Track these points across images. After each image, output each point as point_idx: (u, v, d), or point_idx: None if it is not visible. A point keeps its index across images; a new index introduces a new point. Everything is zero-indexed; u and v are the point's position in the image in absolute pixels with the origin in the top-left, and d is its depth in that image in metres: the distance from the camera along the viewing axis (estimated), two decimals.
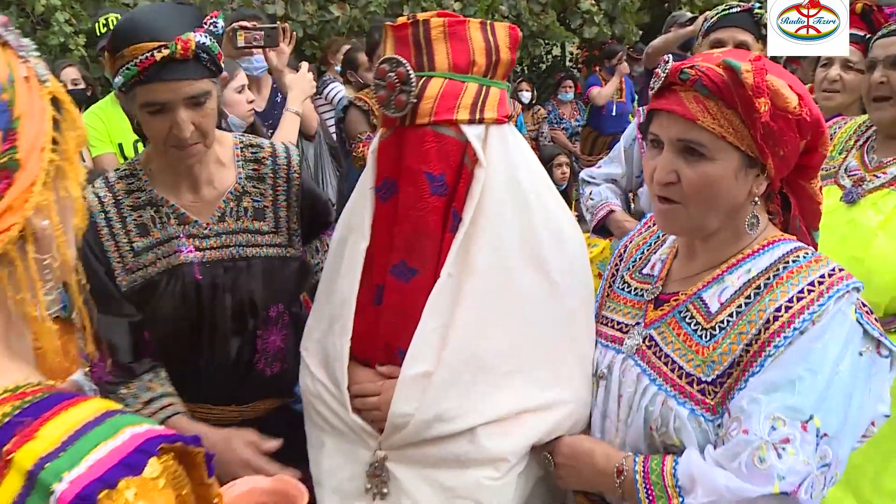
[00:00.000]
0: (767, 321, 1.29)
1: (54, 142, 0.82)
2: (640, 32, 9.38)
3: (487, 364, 1.43)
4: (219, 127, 3.53)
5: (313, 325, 1.64)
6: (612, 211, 2.99)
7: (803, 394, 1.24)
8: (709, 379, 1.33)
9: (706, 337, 1.36)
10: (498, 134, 1.45)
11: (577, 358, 1.52)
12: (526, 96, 8.64)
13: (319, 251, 1.98)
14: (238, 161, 1.88)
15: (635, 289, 1.55)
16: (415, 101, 1.40)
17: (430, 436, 1.43)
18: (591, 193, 3.15)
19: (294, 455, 1.74)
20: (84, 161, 3.53)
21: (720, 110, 1.30)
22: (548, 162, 5.66)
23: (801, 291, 1.29)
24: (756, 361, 1.28)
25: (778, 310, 1.29)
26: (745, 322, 1.31)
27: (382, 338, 1.52)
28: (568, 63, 11.92)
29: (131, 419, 0.77)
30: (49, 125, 0.81)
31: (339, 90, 5.28)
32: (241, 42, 3.19)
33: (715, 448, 1.31)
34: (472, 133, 1.42)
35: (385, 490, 1.48)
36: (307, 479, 1.57)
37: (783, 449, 1.22)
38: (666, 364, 1.40)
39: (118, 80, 1.64)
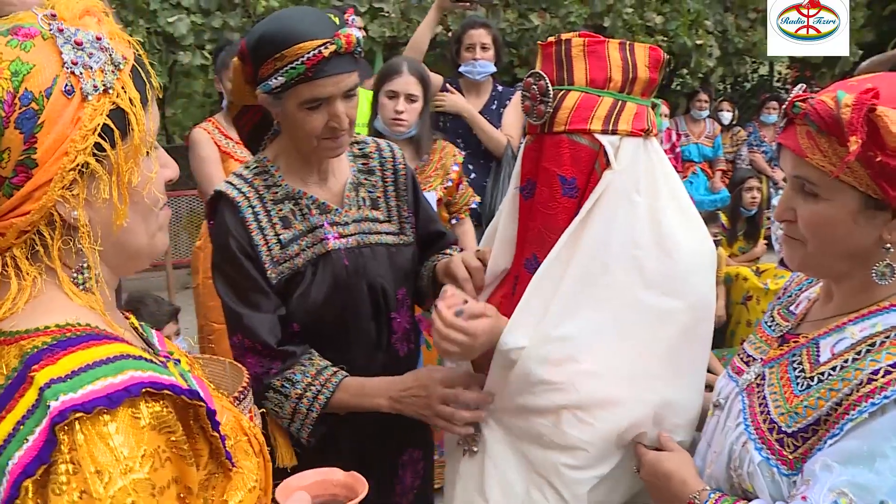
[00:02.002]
0: (861, 382, 1.17)
1: (100, 148, 0.94)
2: (861, 52, 8.64)
3: (576, 347, 1.52)
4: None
5: None
6: None
7: (881, 473, 1.11)
8: (788, 430, 1.24)
9: (803, 386, 1.26)
10: (631, 146, 1.54)
11: (667, 360, 1.54)
12: (726, 116, 8.28)
13: None
14: (349, 156, 1.98)
15: (775, 324, 1.48)
16: (551, 111, 1.54)
17: (520, 403, 1.55)
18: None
19: (416, 437, 2.01)
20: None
21: (832, 147, 1.19)
22: (738, 184, 5.38)
23: None
24: (837, 423, 1.17)
25: (875, 372, 1.16)
26: (840, 379, 1.20)
27: None
28: (775, 83, 11.31)
29: (139, 365, 0.90)
30: (82, 133, 0.93)
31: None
32: None
33: None
34: (607, 141, 1.53)
35: (475, 449, 1.65)
36: None
37: None
38: (760, 406, 1.33)
39: (274, 82, 1.69)
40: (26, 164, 0.91)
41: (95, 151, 0.94)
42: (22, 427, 0.84)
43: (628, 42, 1.56)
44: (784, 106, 1.28)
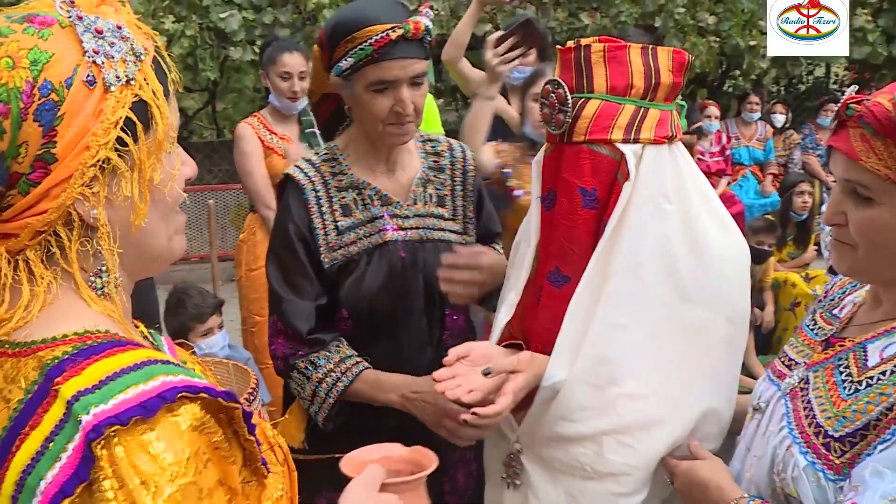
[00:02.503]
0: None
1: (122, 142, 0.89)
2: None
3: (616, 370, 1.47)
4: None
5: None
6: None
7: None
8: (836, 434, 1.21)
9: (850, 390, 1.24)
10: (655, 153, 1.49)
11: (707, 373, 1.51)
12: (779, 119, 8.12)
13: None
14: (420, 152, 2.02)
15: (818, 328, 1.45)
16: (570, 121, 1.48)
17: (559, 432, 1.49)
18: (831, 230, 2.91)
19: None
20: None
21: (888, 150, 1.16)
22: (789, 188, 5.26)
23: None
24: (889, 429, 1.14)
25: None
26: (891, 383, 1.17)
27: (537, 341, 1.60)
28: (832, 85, 11.05)
29: (168, 370, 0.86)
30: (104, 126, 0.88)
31: None
32: None
33: None
34: (628, 150, 1.47)
35: (518, 482, 1.58)
36: None
37: None
38: (804, 410, 1.30)
39: (344, 63, 1.75)
40: (45, 159, 0.85)
41: (117, 146, 0.89)
42: (52, 444, 0.79)
43: (650, 46, 1.49)
44: (837, 108, 1.24)
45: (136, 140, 0.90)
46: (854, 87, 1.26)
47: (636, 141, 1.47)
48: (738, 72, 8.82)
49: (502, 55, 2.99)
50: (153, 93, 0.92)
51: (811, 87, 11.15)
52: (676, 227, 1.48)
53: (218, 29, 6.50)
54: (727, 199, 7.38)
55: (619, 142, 1.46)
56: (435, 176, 2.00)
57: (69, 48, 0.87)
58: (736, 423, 1.57)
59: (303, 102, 3.80)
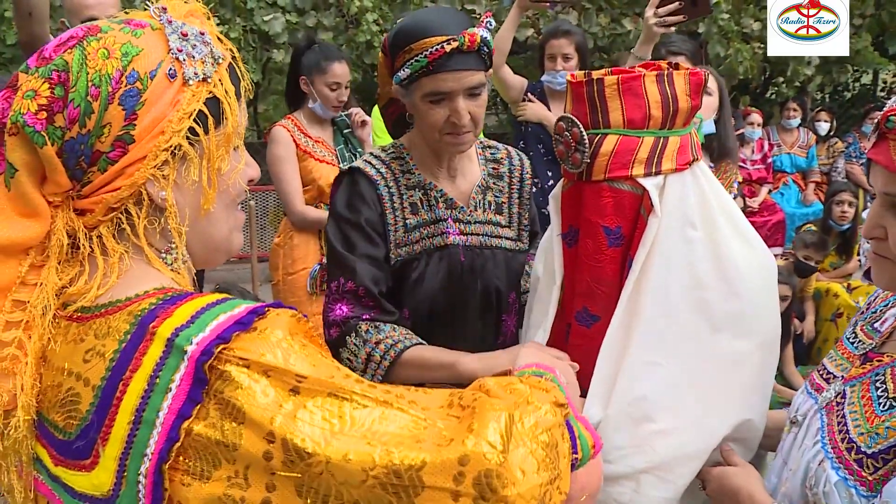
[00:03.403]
0: None
1: (193, 133, 0.98)
2: None
3: (650, 407, 1.43)
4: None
5: None
6: None
7: None
8: (869, 451, 1.19)
9: (885, 406, 1.22)
10: (677, 181, 1.45)
11: (742, 402, 1.49)
12: (823, 127, 8.00)
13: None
14: (480, 159, 2.04)
15: (858, 341, 1.43)
16: (589, 161, 1.43)
17: None
18: None
19: None
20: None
21: None
22: (829, 197, 5.19)
23: None
24: None
25: None
26: None
27: None
28: (879, 93, 10.84)
29: (249, 302, 0.94)
30: (179, 115, 0.97)
31: None
32: None
33: None
34: (650, 183, 1.43)
35: None
36: None
37: None
38: (838, 425, 1.28)
39: (402, 73, 1.78)
40: (124, 140, 0.94)
41: (189, 136, 0.97)
42: (158, 380, 0.87)
43: (665, 72, 1.43)
44: (877, 120, 1.23)
45: (206, 132, 0.99)
46: (895, 99, 1.25)
47: (658, 173, 1.43)
48: (781, 79, 8.70)
49: (661, 17, 3.00)
50: (226, 92, 1.01)
51: (857, 95, 10.97)
52: (704, 254, 1.45)
53: (261, 31, 6.59)
54: (768, 207, 7.29)
55: (641, 176, 1.42)
56: (494, 183, 2.02)
57: (157, 46, 0.97)
58: (768, 438, 1.56)
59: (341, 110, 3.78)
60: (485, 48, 1.78)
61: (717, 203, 1.48)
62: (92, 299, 0.96)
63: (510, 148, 2.12)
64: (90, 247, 0.98)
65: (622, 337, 1.45)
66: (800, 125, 7.88)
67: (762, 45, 7.71)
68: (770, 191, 7.51)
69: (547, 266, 1.64)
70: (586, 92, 1.43)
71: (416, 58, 1.75)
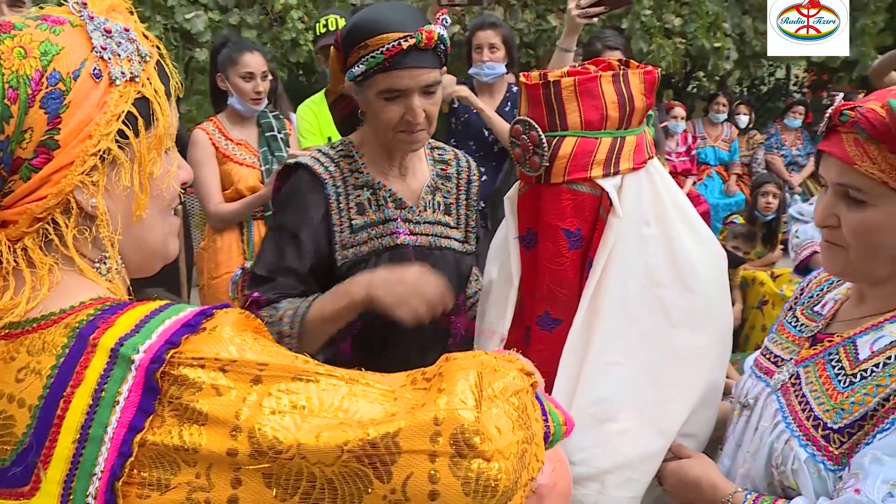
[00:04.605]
0: None
1: (123, 136, 0.93)
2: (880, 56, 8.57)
3: (612, 407, 1.44)
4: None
5: None
6: (815, 252, 2.81)
7: None
8: (835, 426, 1.26)
9: (845, 383, 1.29)
10: (634, 179, 1.45)
11: (701, 397, 1.51)
12: (743, 120, 8.25)
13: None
14: (429, 159, 2.03)
15: (801, 325, 1.49)
16: (548, 164, 1.42)
17: None
18: (797, 231, 2.99)
19: None
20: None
21: (882, 154, 1.22)
22: (755, 189, 5.35)
23: None
24: (887, 418, 1.20)
25: None
26: (887, 375, 1.24)
27: None
28: (792, 87, 11.22)
29: (193, 306, 0.91)
30: (107, 118, 0.92)
31: None
32: (445, 0, 3.14)
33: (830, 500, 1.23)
34: (609, 184, 1.43)
35: None
36: None
37: None
38: (800, 404, 1.34)
39: (357, 69, 1.75)
40: (48, 146, 0.89)
41: (118, 139, 0.93)
42: (104, 393, 0.82)
43: (621, 71, 1.43)
44: (828, 114, 1.28)
45: (137, 134, 0.94)
46: (841, 95, 1.31)
47: (616, 173, 1.43)
48: (702, 73, 8.92)
49: (584, 8, 3.04)
50: (155, 91, 0.97)
51: (772, 89, 11.32)
52: (659, 251, 1.46)
53: (183, 30, 6.42)
54: (693, 199, 7.46)
55: (600, 177, 1.42)
56: (442, 184, 2.01)
57: (78, 43, 0.92)
58: (716, 430, 1.59)
59: (264, 104, 3.72)
60: (441, 46, 1.76)
61: (670, 200, 1.49)
62: (21, 314, 0.90)
63: (457, 150, 2.11)
64: (14, 261, 0.91)
65: (583, 338, 1.44)
66: (725, 120, 8.10)
67: (683, 41, 7.89)
68: (694, 182, 7.70)
69: (502, 268, 1.62)
70: (543, 94, 1.41)
71: (371, 54, 1.71)
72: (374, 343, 1.89)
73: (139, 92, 0.95)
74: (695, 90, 10.00)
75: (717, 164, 8.07)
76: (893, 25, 9.29)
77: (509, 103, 4.07)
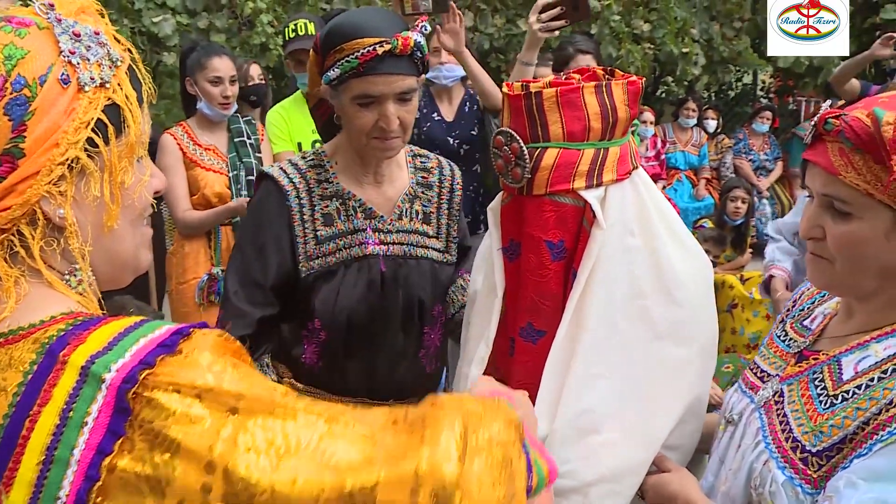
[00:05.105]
0: (891, 402, 1.14)
1: (92, 144, 0.90)
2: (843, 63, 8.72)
3: (596, 419, 1.42)
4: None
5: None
6: (771, 276, 2.87)
7: None
8: (813, 449, 1.21)
9: (826, 404, 1.24)
10: (618, 190, 1.43)
11: (686, 408, 1.49)
12: (711, 125, 8.35)
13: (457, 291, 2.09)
14: (410, 167, 1.99)
15: (790, 339, 1.45)
16: (530, 176, 1.40)
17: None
18: (768, 251, 3.03)
19: None
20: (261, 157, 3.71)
21: (866, 165, 1.16)
22: (724, 193, 5.41)
23: None
24: (865, 443, 1.15)
25: None
26: (867, 398, 1.18)
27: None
28: (759, 92, 11.37)
29: (170, 323, 0.88)
30: (75, 125, 0.89)
31: None
32: (408, 9, 3.08)
33: None
34: (592, 196, 1.40)
35: None
36: None
37: None
38: (780, 424, 1.30)
39: (332, 73, 1.73)
40: (13, 154, 0.86)
41: (87, 147, 0.90)
42: (72, 413, 0.78)
43: (604, 82, 1.40)
44: (814, 122, 1.24)
45: (107, 142, 0.91)
46: (829, 102, 1.27)
47: (599, 185, 1.41)
48: (671, 78, 9.00)
49: (545, 22, 3.02)
50: (126, 97, 0.93)
51: (740, 94, 11.46)
52: (644, 262, 1.44)
53: (151, 34, 6.35)
54: None
55: (583, 189, 1.40)
56: (423, 192, 1.97)
57: (45, 47, 0.88)
58: (702, 442, 1.57)
59: (233, 109, 3.70)
60: (418, 53, 1.73)
61: (655, 210, 1.47)
62: None
63: (441, 157, 2.07)
64: None
65: (567, 350, 1.42)
66: (695, 125, 8.19)
67: (651, 46, 7.95)
68: (664, 187, 7.76)
69: (487, 278, 1.60)
70: (524, 105, 1.38)
71: (346, 58, 1.69)
72: (339, 351, 1.88)
73: (109, 98, 0.92)
74: (663, 95, 10.08)
75: (687, 169, 8.15)
76: (854, 32, 9.46)
77: (467, 104, 4.01)
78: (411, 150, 2.03)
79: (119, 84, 0.93)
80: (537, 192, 1.41)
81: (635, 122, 1.50)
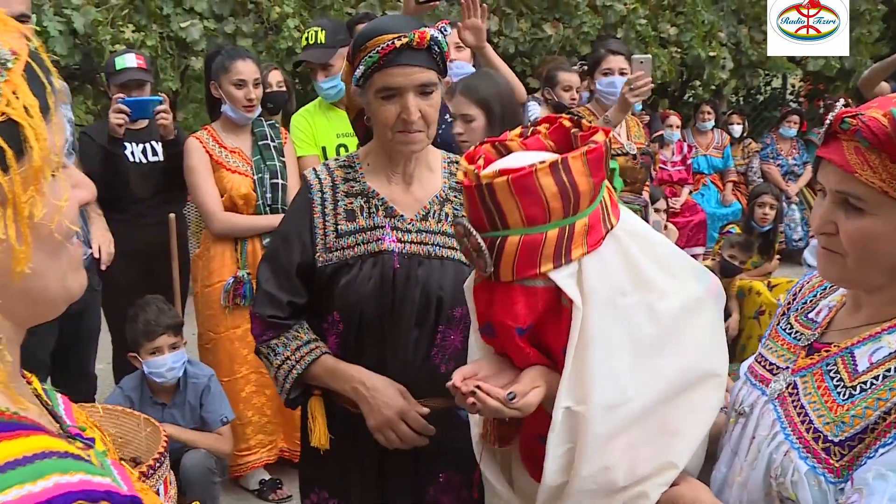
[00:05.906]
0: None
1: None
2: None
3: (616, 475, 1.37)
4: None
5: None
6: None
7: None
8: (836, 439, 1.24)
9: (845, 395, 1.27)
10: (594, 258, 1.35)
11: (699, 448, 1.46)
12: (736, 129, 8.28)
13: None
14: (444, 172, 2.05)
15: (796, 332, 1.46)
16: (493, 267, 1.33)
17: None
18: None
19: (450, 461, 1.96)
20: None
21: (882, 163, 1.20)
22: (752, 199, 5.35)
23: None
24: (889, 433, 1.18)
25: None
26: (888, 389, 1.21)
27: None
28: (788, 96, 11.24)
29: (64, 466, 0.68)
30: None
31: (532, 110, 4.95)
32: None
33: None
34: (563, 275, 1.33)
35: None
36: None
37: None
38: (799, 415, 1.32)
39: (358, 72, 1.84)
40: None
41: None
42: None
43: (559, 158, 1.29)
44: (830, 121, 1.27)
45: (5, 171, 0.71)
46: (842, 102, 1.29)
47: (569, 262, 1.33)
48: (698, 82, 8.93)
49: (636, 89, 3.41)
50: (25, 109, 0.72)
51: (768, 98, 11.33)
52: (642, 319, 1.37)
53: (179, 38, 6.40)
54: (690, 208, 7.47)
55: (551, 270, 1.32)
56: (455, 196, 2.03)
57: None
58: (710, 444, 1.55)
59: (257, 111, 3.73)
60: (436, 48, 1.81)
61: (644, 255, 1.40)
62: None
63: None
64: None
65: (571, 425, 1.35)
66: (714, 127, 8.12)
67: (679, 50, 7.90)
68: (691, 192, 7.70)
69: (472, 355, 1.60)
70: (478, 196, 1.31)
71: (368, 54, 1.79)
72: (353, 345, 1.96)
73: (3, 114, 0.70)
74: (691, 99, 10.00)
75: (712, 173, 8.09)
76: (889, 34, 9.33)
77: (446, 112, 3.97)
78: (448, 157, 2.08)
79: (14, 92, 0.71)
80: (505, 280, 1.35)
81: (613, 166, 1.46)
